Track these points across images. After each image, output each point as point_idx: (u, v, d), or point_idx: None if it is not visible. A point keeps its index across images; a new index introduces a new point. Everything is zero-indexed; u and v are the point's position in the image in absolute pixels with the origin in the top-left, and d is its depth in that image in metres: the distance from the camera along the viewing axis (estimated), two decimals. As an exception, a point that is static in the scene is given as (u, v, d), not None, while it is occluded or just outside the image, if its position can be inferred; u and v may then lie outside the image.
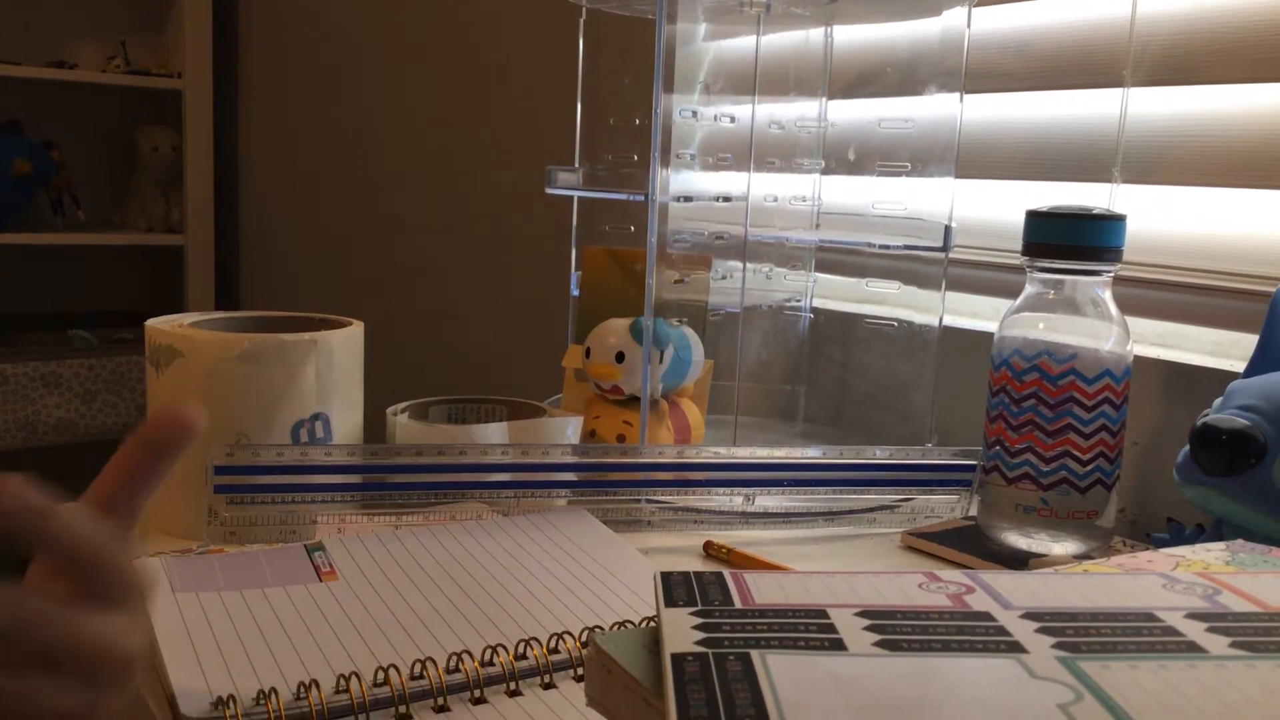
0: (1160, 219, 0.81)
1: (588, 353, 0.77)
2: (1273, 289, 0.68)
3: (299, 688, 0.42)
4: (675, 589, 0.36)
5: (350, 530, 0.59)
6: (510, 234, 1.51)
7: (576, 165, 0.91)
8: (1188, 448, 0.65)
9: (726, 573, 0.38)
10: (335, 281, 2.01)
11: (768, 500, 0.71)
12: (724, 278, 0.88)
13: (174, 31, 2.42)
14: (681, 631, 0.32)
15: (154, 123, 2.44)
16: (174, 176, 2.40)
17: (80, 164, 2.48)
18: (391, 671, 0.43)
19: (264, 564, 0.53)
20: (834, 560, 0.68)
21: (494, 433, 0.69)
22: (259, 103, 2.30)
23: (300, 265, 2.15)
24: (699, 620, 0.33)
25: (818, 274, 0.98)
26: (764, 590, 0.36)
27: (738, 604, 0.35)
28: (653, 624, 0.36)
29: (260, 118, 2.30)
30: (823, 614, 0.34)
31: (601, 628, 0.49)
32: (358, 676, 0.43)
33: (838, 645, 0.32)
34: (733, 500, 0.70)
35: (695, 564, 0.65)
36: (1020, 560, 0.67)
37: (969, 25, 0.82)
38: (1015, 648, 0.32)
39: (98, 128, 2.53)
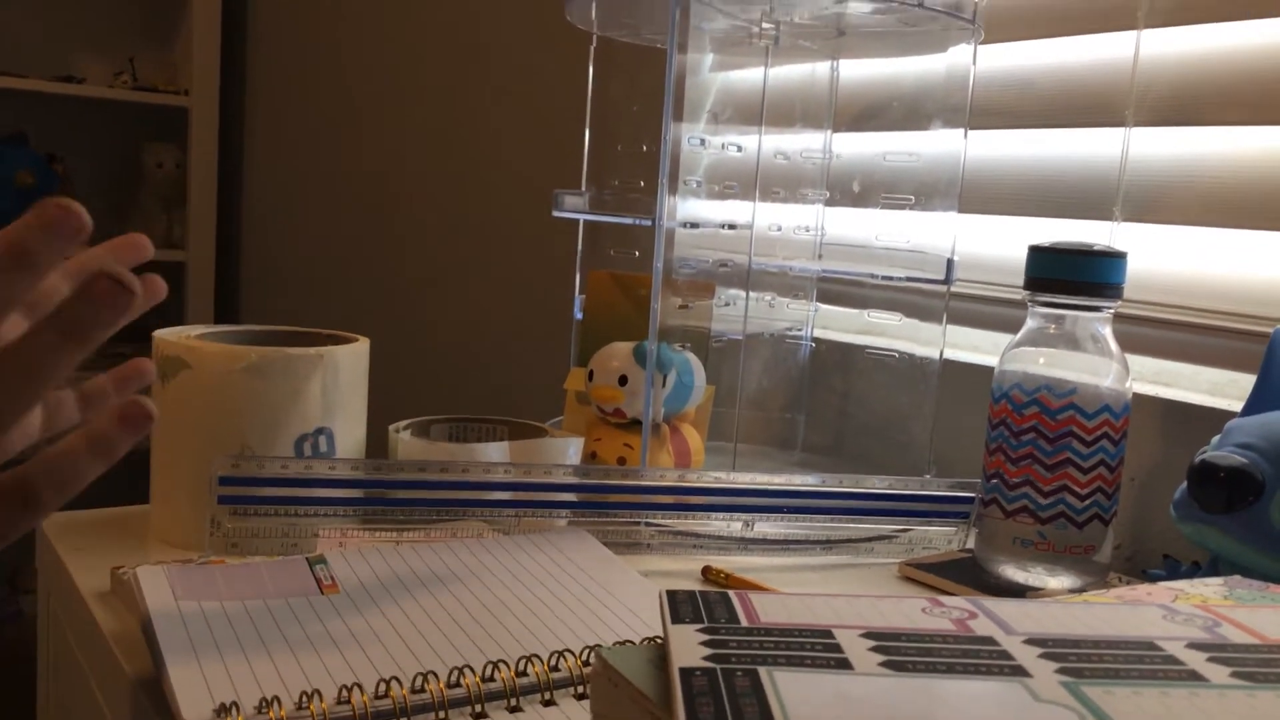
0: (1160, 258, 0.82)
1: (591, 375, 0.78)
2: (1271, 328, 0.69)
3: (301, 697, 0.42)
4: (681, 606, 0.36)
5: (351, 545, 0.59)
6: (514, 255, 1.52)
7: (583, 189, 0.92)
8: (1185, 485, 0.65)
9: (732, 592, 0.38)
10: (336, 300, 2.01)
11: (766, 526, 0.71)
12: (726, 305, 0.89)
13: (182, 49, 2.44)
14: (689, 647, 0.32)
15: (159, 139, 2.46)
16: (177, 193, 2.41)
17: (84, 178, 2.49)
18: (393, 684, 0.43)
19: (265, 575, 0.53)
20: (831, 588, 0.68)
21: (495, 452, 0.69)
22: (265, 121, 2.31)
23: (301, 283, 2.16)
24: (706, 637, 0.33)
25: (819, 304, 0.99)
26: (769, 610, 0.36)
27: (744, 622, 0.35)
28: (657, 642, 0.36)
29: (265, 136, 2.31)
30: (828, 634, 0.34)
31: (603, 646, 0.49)
32: (359, 688, 0.43)
33: (844, 664, 0.32)
34: (731, 526, 0.71)
35: (695, 587, 0.65)
36: (1017, 593, 0.67)
37: (974, 63, 0.83)
38: (1019, 671, 0.32)
39: (102, 142, 2.54)
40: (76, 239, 0.38)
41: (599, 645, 0.48)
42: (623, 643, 0.50)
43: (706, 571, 0.67)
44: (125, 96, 2.37)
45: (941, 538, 0.75)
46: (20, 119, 2.37)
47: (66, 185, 2.40)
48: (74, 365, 0.38)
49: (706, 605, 0.36)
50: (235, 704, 0.41)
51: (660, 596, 0.37)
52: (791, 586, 0.67)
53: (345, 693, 0.43)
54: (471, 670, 0.45)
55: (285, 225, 2.23)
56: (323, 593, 0.52)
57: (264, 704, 0.42)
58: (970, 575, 0.70)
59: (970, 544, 0.75)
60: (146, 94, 2.39)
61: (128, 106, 2.41)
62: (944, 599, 0.39)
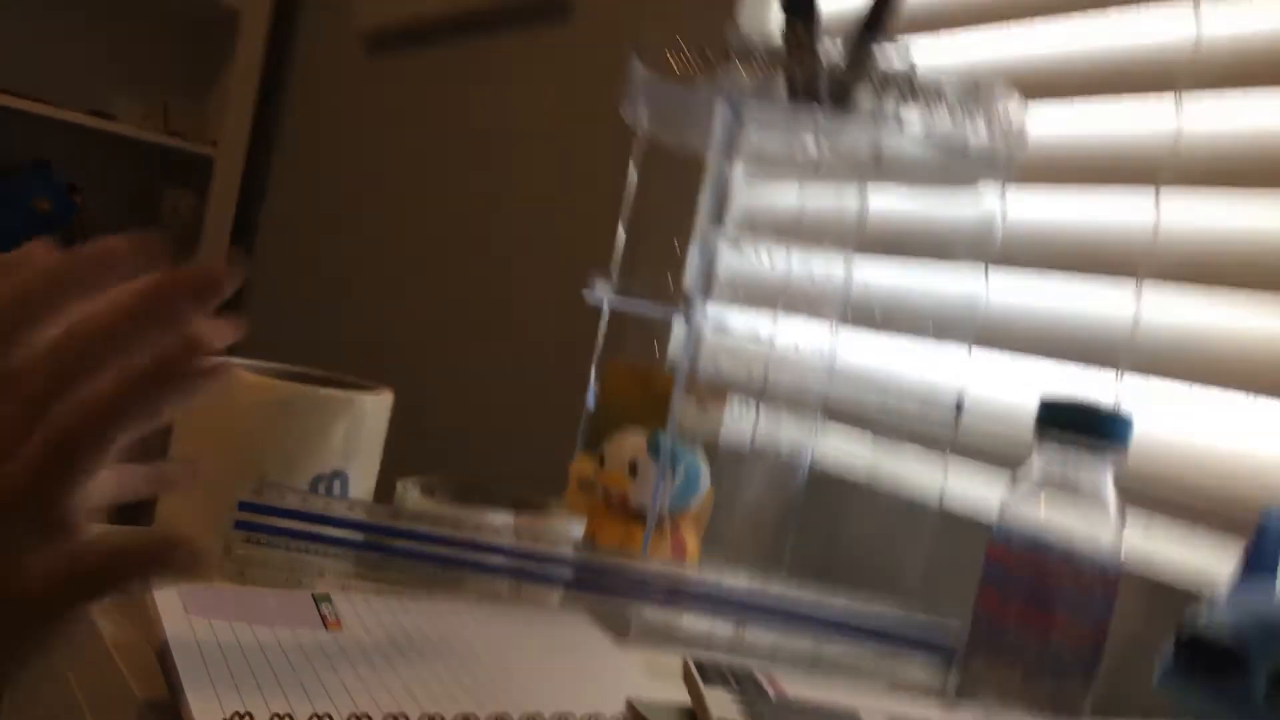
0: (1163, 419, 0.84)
1: (601, 461, 0.79)
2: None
3: (312, 717, 0.42)
4: (710, 673, 0.37)
5: (354, 590, 0.60)
6: (533, 336, 1.54)
7: (612, 280, 0.94)
8: (1168, 657, 0.66)
9: (756, 669, 0.39)
10: (341, 356, 2.02)
11: (759, 636, 0.71)
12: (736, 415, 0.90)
13: (217, 100, 2.49)
14: (725, 706, 0.33)
15: (180, 184, 2.49)
16: (189, 240, 2.44)
17: (100, 212, 2.51)
18: (402, 717, 0.44)
19: (272, 603, 0.53)
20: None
21: (500, 521, 0.70)
22: (287, 182, 2.35)
23: (307, 340, 2.17)
24: (740, 703, 0.34)
25: (824, 425, 1.00)
26: (796, 688, 0.37)
27: (773, 695, 0.36)
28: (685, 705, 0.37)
29: (287, 196, 2.35)
30: (855, 714, 0.35)
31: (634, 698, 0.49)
32: (369, 717, 0.43)
33: None
34: (722, 629, 0.71)
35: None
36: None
37: (1003, 207, 0.87)
38: None
39: (124, 180, 2.58)
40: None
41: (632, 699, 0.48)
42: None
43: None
44: (152, 138, 2.41)
45: (925, 676, 0.75)
46: (47, 147, 2.41)
47: (82, 217, 2.43)
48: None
49: (735, 676, 0.37)
50: (250, 714, 0.42)
51: (686, 662, 0.38)
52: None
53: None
54: (477, 718, 0.46)
55: (298, 280, 2.25)
56: (327, 629, 0.53)
57: (276, 717, 0.42)
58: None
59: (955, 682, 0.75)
60: (174, 139, 2.43)
61: (153, 149, 2.45)
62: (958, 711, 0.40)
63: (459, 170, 1.78)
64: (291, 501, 0.57)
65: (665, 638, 0.70)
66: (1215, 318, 0.82)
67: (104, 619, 0.57)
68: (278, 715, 0.42)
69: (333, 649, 0.50)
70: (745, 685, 0.37)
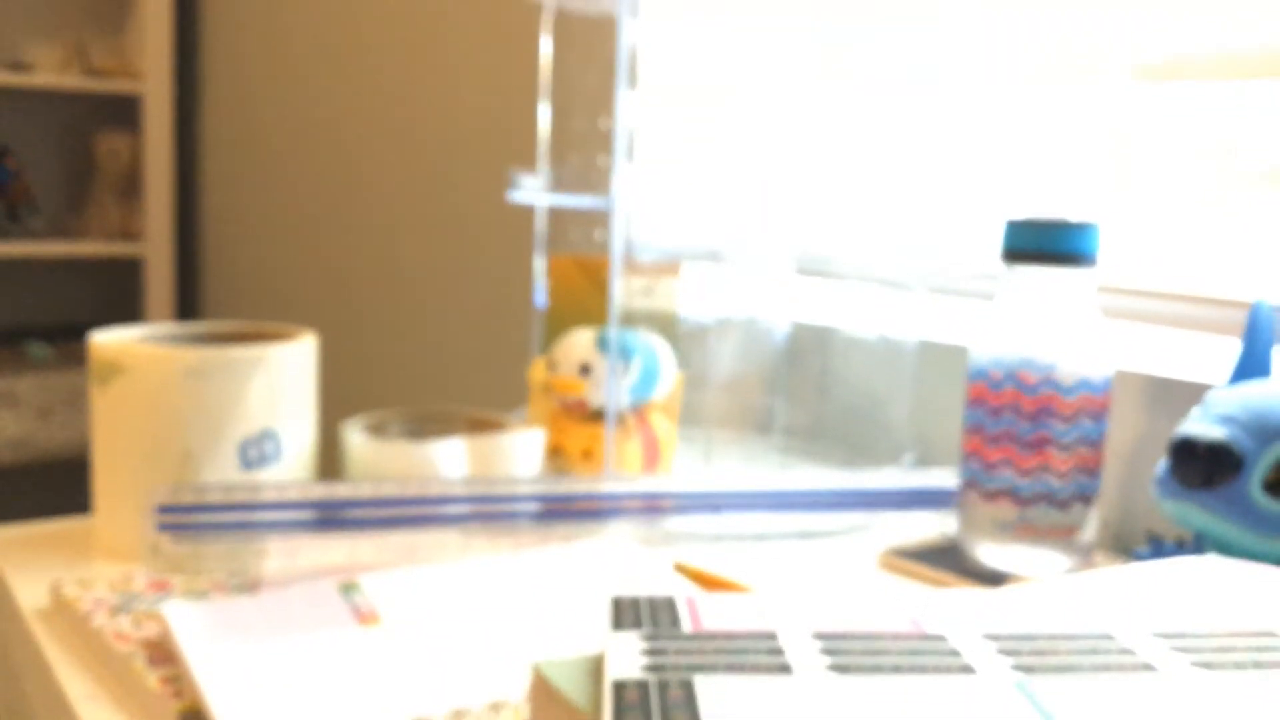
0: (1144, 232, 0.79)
1: (552, 366, 0.75)
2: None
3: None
4: (625, 613, 0.34)
5: (302, 551, 0.56)
6: (473, 240, 1.48)
7: (540, 171, 0.89)
8: (1166, 461, 0.63)
9: (680, 596, 0.36)
10: (299, 289, 1.97)
11: (740, 520, 0.69)
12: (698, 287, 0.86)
13: (134, 33, 2.38)
14: (627, 657, 0.31)
15: (113, 128, 2.40)
16: (133, 184, 2.36)
17: (36, 172, 2.43)
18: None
19: (297, 605, 0.50)
20: (808, 581, 0.66)
21: (451, 451, 0.66)
22: (221, 108, 2.26)
23: (264, 273, 2.12)
24: (646, 645, 0.32)
25: (796, 279, 0.96)
26: (716, 614, 0.34)
27: (687, 628, 0.33)
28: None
29: (222, 123, 2.26)
30: (772, 637, 0.33)
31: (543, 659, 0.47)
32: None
33: (784, 668, 0.31)
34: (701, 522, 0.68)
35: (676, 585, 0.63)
36: (998, 579, 0.65)
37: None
38: (966, 669, 0.31)
39: (53, 134, 2.48)
40: None
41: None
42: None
43: (677, 569, 0.65)
44: (77, 84, 2.31)
45: (921, 525, 0.73)
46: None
47: (19, 181, 2.35)
48: None
49: (651, 611, 0.34)
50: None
51: (608, 602, 0.35)
52: (767, 580, 0.64)
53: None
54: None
55: (245, 215, 2.18)
56: (361, 623, 0.49)
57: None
58: (952, 561, 0.68)
59: (953, 528, 0.72)
60: (98, 80, 2.33)
61: (80, 96, 2.35)
62: (902, 596, 0.37)
63: (380, 69, 1.69)
64: (214, 497, 0.53)
65: (646, 541, 0.67)
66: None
67: (46, 633, 0.54)
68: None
69: (371, 648, 0.47)
70: (660, 620, 0.34)
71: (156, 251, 2.32)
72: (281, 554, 0.56)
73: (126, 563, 0.63)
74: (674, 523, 0.67)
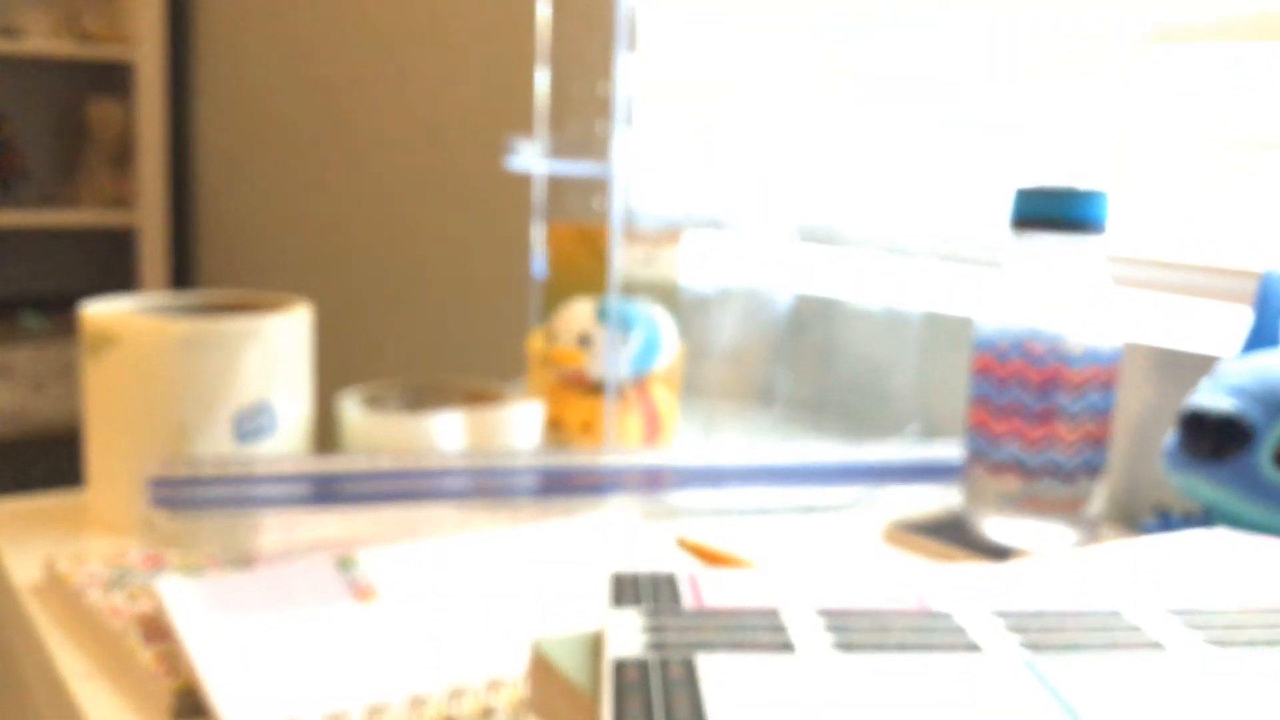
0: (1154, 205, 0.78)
1: (551, 337, 0.74)
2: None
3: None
4: (625, 590, 0.33)
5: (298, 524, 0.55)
6: (472, 207, 1.47)
7: (537, 137, 0.87)
8: (1175, 433, 0.62)
9: (681, 572, 0.35)
10: (294, 259, 1.95)
11: (743, 494, 0.68)
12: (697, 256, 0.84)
13: None
14: (628, 634, 0.30)
15: (105, 95, 2.38)
16: (126, 152, 2.34)
17: (29, 138, 2.41)
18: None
19: (294, 581, 0.49)
20: (812, 556, 0.65)
21: (448, 424, 0.65)
22: (214, 75, 2.24)
23: (258, 243, 2.10)
24: (647, 622, 0.31)
25: (799, 247, 0.94)
26: (718, 591, 0.33)
27: (688, 606, 0.32)
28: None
29: (216, 90, 2.23)
30: (774, 614, 0.32)
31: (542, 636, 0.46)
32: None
33: (786, 647, 0.30)
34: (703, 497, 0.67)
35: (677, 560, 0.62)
36: (1003, 553, 0.64)
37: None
38: (974, 647, 0.30)
39: (45, 101, 2.46)
40: None
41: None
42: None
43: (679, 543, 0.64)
44: (68, 51, 2.29)
45: (926, 498, 0.72)
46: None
47: (11, 148, 2.33)
48: None
49: (652, 587, 0.34)
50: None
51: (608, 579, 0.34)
52: (770, 555, 0.63)
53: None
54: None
55: (239, 184, 2.16)
56: (357, 599, 0.49)
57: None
58: (957, 535, 0.67)
59: (958, 501, 0.72)
60: (91, 46, 2.30)
61: (72, 63, 2.33)
62: (907, 571, 0.36)
63: (371, 42, 1.67)
64: (208, 470, 0.52)
65: (651, 515, 0.67)
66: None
67: (40, 609, 0.53)
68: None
69: (369, 624, 0.46)
70: (661, 597, 0.33)
71: (150, 220, 2.30)
72: (277, 528, 0.56)
73: (120, 537, 0.62)
74: (675, 497, 0.66)
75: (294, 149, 1.94)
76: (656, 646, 0.30)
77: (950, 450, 0.72)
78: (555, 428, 0.74)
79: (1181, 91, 0.76)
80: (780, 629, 0.32)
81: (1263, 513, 0.60)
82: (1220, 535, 0.45)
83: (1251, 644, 0.31)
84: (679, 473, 0.64)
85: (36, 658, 0.52)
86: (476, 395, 0.73)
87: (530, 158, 0.82)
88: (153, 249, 2.31)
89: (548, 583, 0.52)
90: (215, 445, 0.61)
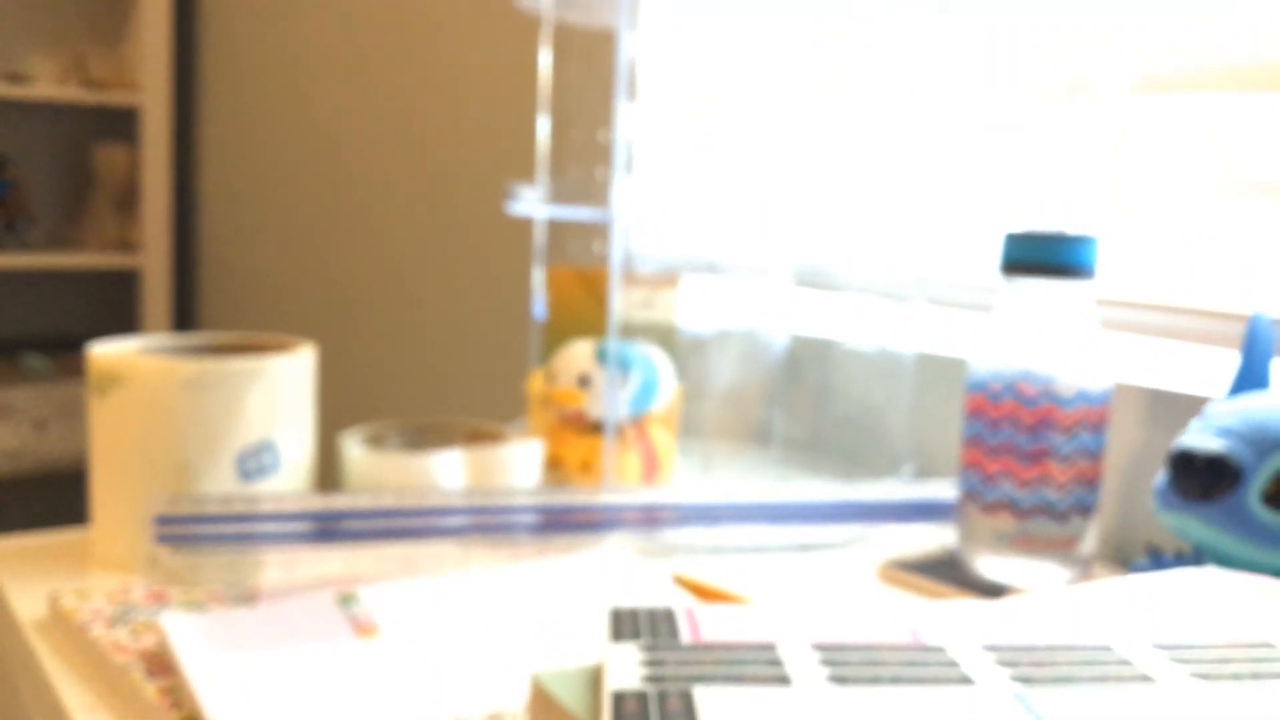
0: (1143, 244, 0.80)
1: (551, 377, 0.75)
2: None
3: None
4: (624, 624, 0.34)
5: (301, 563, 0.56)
6: (473, 251, 1.48)
7: (539, 183, 0.89)
8: (1165, 473, 0.63)
9: (679, 607, 0.36)
10: (298, 301, 1.97)
11: (739, 532, 0.68)
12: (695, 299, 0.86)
13: (132, 45, 2.38)
14: (627, 667, 0.31)
15: (111, 139, 2.40)
16: (131, 195, 2.36)
17: (35, 183, 2.43)
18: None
19: (296, 617, 0.50)
20: (806, 594, 0.66)
21: (448, 463, 0.66)
22: (219, 120, 2.26)
23: (262, 285, 2.12)
24: (645, 656, 0.32)
25: (794, 291, 0.96)
26: (716, 625, 0.34)
27: (686, 640, 0.33)
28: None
29: (220, 135, 2.26)
30: (771, 648, 0.33)
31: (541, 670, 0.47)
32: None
33: (782, 679, 0.31)
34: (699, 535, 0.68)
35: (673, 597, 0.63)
36: (997, 591, 0.65)
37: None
38: (966, 680, 0.31)
39: (51, 145, 2.49)
40: None
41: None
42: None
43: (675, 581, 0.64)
44: (76, 96, 2.32)
45: (920, 538, 0.73)
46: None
47: (18, 191, 2.35)
48: None
49: (651, 622, 0.34)
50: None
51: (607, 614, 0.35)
52: (766, 592, 0.64)
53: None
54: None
55: (243, 227, 2.18)
56: (359, 635, 0.49)
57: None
58: (951, 574, 0.67)
59: (952, 540, 0.72)
60: (97, 92, 2.34)
61: (79, 108, 2.36)
62: (901, 607, 0.37)
63: (374, 88, 1.70)
64: (212, 508, 0.53)
65: (647, 552, 0.67)
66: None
67: (45, 646, 0.54)
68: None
69: (370, 661, 0.47)
70: (659, 631, 0.34)
71: (154, 263, 2.32)
72: (279, 565, 0.56)
73: (124, 574, 0.63)
74: (673, 535, 0.67)
75: (297, 193, 1.96)
76: (655, 679, 0.31)
77: (944, 490, 0.73)
78: (555, 467, 0.75)
79: (1170, 137, 0.77)
80: (776, 662, 0.32)
81: (1252, 552, 0.60)
82: (1210, 573, 0.46)
83: (1237, 677, 0.32)
84: (676, 511, 0.64)
85: (40, 693, 0.53)
86: (477, 435, 0.74)
87: (531, 203, 0.83)
88: (156, 291, 2.32)
89: (547, 618, 0.52)
90: (219, 483, 0.62)
